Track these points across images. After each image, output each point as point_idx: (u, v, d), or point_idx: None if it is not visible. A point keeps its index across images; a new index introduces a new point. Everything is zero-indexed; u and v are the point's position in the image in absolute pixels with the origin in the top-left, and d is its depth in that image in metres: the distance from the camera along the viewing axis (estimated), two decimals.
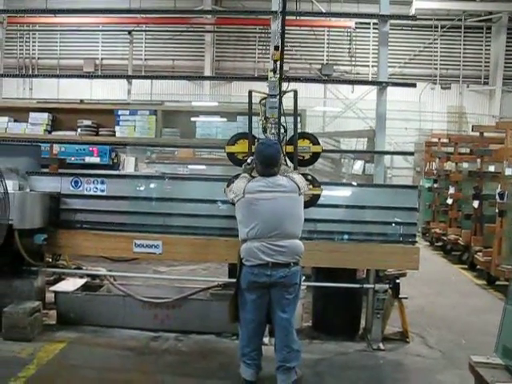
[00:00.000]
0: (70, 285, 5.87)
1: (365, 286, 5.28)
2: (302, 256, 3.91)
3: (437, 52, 19.82)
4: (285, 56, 4.65)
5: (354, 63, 19.89)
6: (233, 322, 4.07)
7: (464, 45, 19.77)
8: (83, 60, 19.83)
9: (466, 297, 7.66)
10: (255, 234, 3.80)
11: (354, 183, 6.03)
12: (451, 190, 11.54)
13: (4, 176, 4.77)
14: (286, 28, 4.71)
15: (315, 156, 4.86)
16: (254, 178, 4.02)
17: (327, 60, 19.97)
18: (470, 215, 9.83)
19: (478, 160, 9.75)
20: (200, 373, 4.44)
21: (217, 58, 20.31)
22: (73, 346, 4.87)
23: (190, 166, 10.34)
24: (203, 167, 10.15)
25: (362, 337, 5.39)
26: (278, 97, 4.48)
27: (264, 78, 4.71)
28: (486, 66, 19.93)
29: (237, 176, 4.26)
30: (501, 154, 8.47)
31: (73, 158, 8.42)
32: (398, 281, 5.24)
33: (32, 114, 7.09)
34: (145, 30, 19.72)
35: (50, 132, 7.11)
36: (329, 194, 5.10)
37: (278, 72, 4.52)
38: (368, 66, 19.66)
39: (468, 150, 12.49)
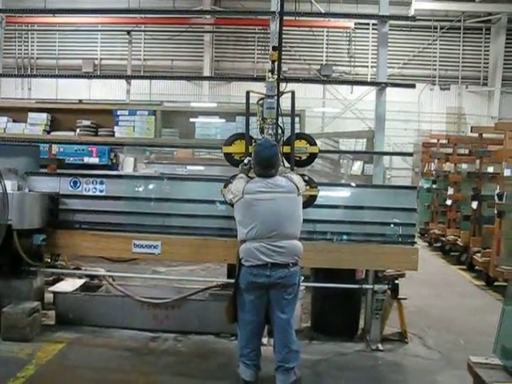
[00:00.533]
0: (68, 285, 5.85)
1: (364, 286, 5.28)
2: (301, 256, 3.91)
3: (436, 53, 19.82)
4: (284, 56, 4.65)
5: (353, 64, 19.87)
6: (231, 323, 4.06)
7: (463, 46, 19.77)
8: (82, 60, 19.81)
9: (465, 297, 7.67)
10: (254, 235, 3.80)
11: (353, 184, 6.01)
12: (450, 191, 11.55)
13: (3, 176, 4.77)
14: (285, 28, 4.72)
15: (312, 157, 4.88)
16: (251, 178, 4.02)
17: (326, 60, 19.97)
18: (468, 216, 9.83)
19: (477, 161, 9.74)
20: (199, 373, 4.44)
21: (216, 59, 20.30)
22: (72, 347, 4.87)
23: (188, 167, 10.32)
24: (202, 168, 10.14)
25: (360, 337, 5.39)
26: (275, 97, 4.48)
27: (263, 79, 4.71)
28: (485, 67, 19.93)
29: (234, 177, 4.26)
30: (500, 155, 8.49)
31: (72, 159, 8.39)
32: (396, 281, 5.25)
33: (31, 114, 7.10)
34: (144, 30, 19.70)
35: (48, 132, 7.12)
36: (328, 194, 5.12)
37: (276, 72, 4.53)
38: (367, 66, 19.66)
39: (467, 151, 12.52)
